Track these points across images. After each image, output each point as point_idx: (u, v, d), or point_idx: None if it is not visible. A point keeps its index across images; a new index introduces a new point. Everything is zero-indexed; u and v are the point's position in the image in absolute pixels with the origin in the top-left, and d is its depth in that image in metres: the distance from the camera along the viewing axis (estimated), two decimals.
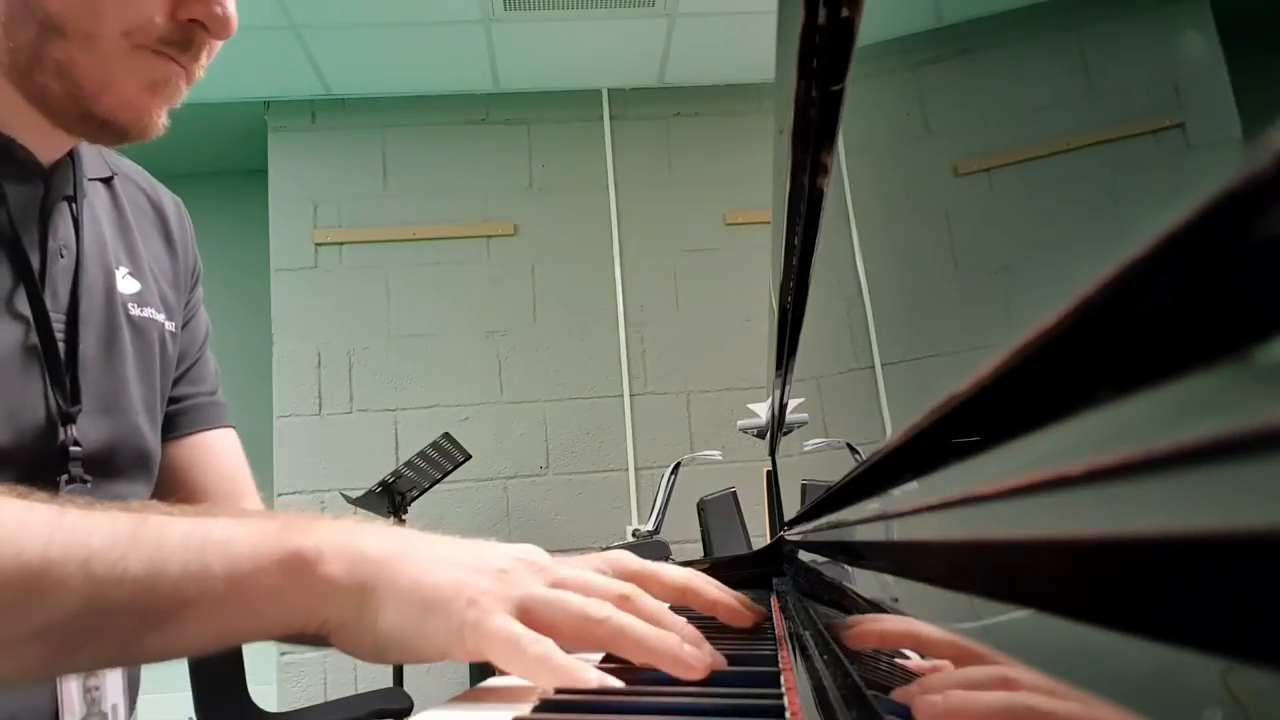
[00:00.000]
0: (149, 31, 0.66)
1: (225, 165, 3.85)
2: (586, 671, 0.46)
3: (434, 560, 0.50)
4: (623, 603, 0.52)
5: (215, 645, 0.49)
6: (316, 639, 0.51)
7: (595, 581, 0.53)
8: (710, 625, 0.72)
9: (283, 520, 0.50)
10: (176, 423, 0.87)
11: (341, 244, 3.54)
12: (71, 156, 0.78)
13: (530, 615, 0.49)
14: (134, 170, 0.90)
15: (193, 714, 1.89)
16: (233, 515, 0.51)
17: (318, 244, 3.53)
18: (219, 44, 0.72)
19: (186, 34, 0.68)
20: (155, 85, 0.68)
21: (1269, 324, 0.11)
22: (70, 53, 0.65)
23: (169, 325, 0.85)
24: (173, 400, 0.87)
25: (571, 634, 0.49)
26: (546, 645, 0.47)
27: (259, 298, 3.50)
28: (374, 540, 0.50)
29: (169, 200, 0.93)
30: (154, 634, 0.46)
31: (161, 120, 0.70)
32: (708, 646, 0.51)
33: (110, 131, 0.69)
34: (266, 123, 3.58)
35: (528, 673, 0.47)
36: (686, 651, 0.48)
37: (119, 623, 0.46)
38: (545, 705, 0.43)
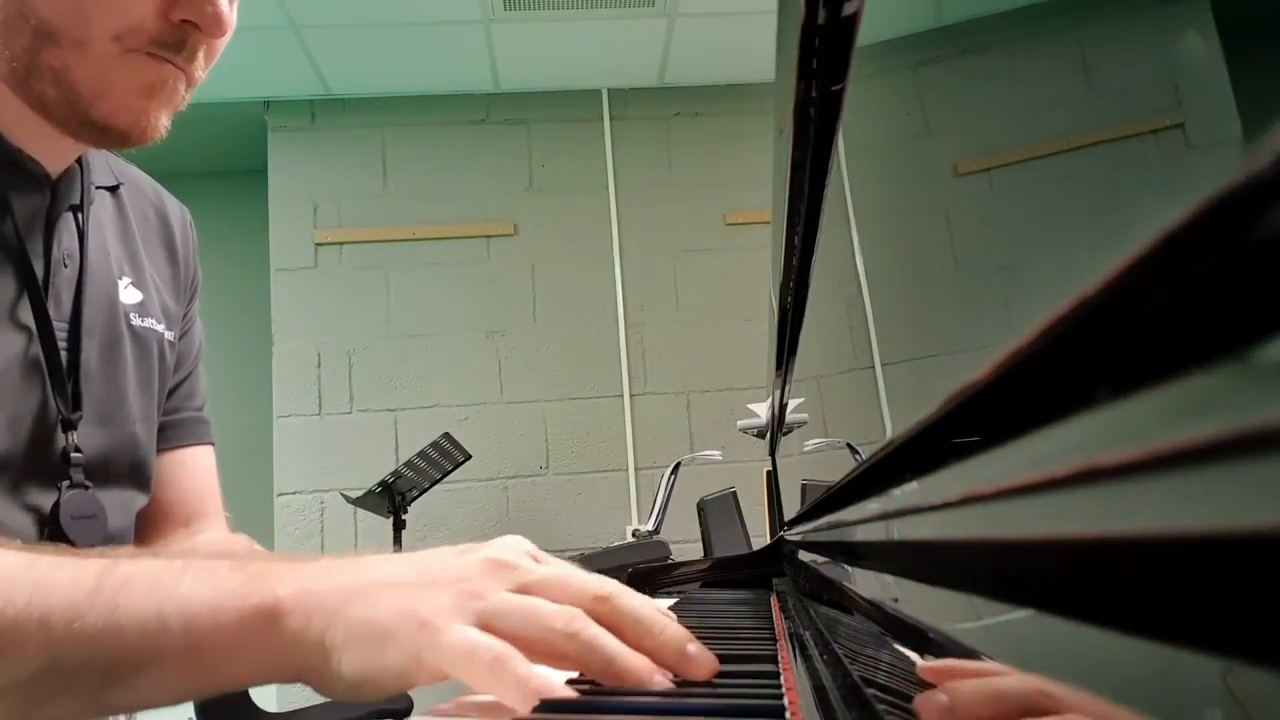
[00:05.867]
0: (140, 34, 0.66)
1: (225, 165, 3.85)
2: (550, 683, 0.43)
3: (388, 588, 0.48)
4: (599, 604, 0.48)
5: (184, 699, 0.48)
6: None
7: (572, 581, 0.49)
8: (708, 624, 0.72)
9: (248, 572, 0.49)
10: (163, 436, 0.87)
11: (341, 244, 3.54)
12: (80, 165, 0.78)
13: (491, 628, 0.46)
14: (141, 179, 0.91)
15: (193, 714, 1.89)
16: (202, 566, 0.50)
17: (318, 244, 3.53)
18: (219, 45, 0.71)
19: (180, 35, 0.67)
20: (151, 88, 0.68)
21: (1269, 324, 0.11)
22: (64, 59, 0.65)
23: (168, 335, 0.86)
24: (163, 413, 0.87)
25: (536, 646, 0.46)
26: (506, 652, 0.44)
27: (259, 298, 3.50)
28: (331, 582, 0.48)
29: (175, 210, 0.93)
30: (116, 690, 0.46)
31: (162, 124, 0.70)
32: (702, 647, 0.48)
33: (111, 136, 0.69)
34: (266, 123, 3.58)
35: (486, 684, 0.44)
36: (656, 680, 0.46)
37: (81, 680, 0.46)
38: (546, 705, 0.43)
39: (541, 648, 0.46)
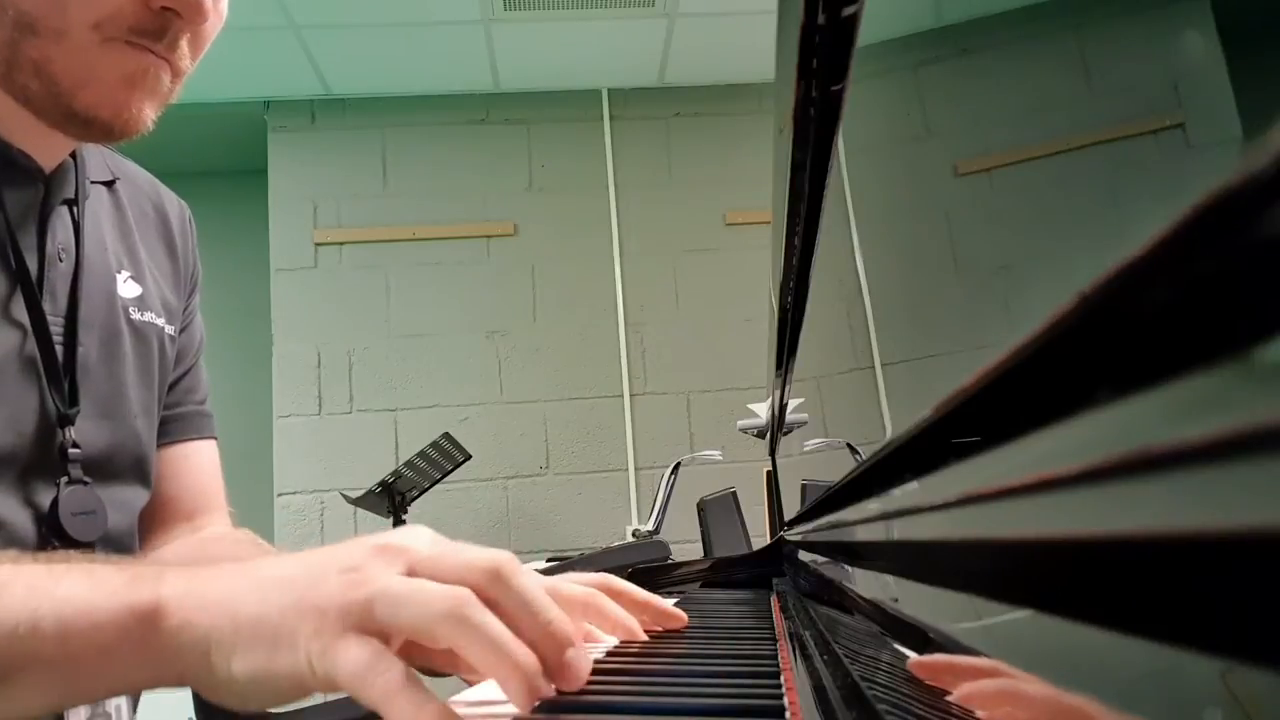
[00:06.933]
0: (119, 22, 0.65)
1: (225, 165, 3.85)
2: (447, 711, 0.40)
3: (277, 585, 0.44)
4: (491, 582, 0.44)
5: (62, 706, 0.46)
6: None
7: (463, 558, 0.45)
8: (708, 624, 0.72)
9: (131, 573, 0.47)
10: (165, 430, 0.87)
11: (341, 244, 3.54)
12: (75, 160, 0.78)
13: (374, 618, 0.42)
14: (138, 174, 0.90)
15: (193, 714, 1.89)
16: (84, 568, 0.47)
17: (318, 244, 3.53)
18: (206, 34, 0.70)
19: (160, 22, 0.66)
20: (133, 78, 0.67)
21: (1269, 324, 0.11)
22: (44, 50, 0.64)
23: (169, 329, 0.85)
24: (164, 407, 0.87)
25: (421, 632, 0.42)
26: (395, 683, 0.40)
27: (259, 298, 3.50)
28: (220, 582, 0.46)
29: (173, 204, 0.92)
30: None
31: (147, 115, 0.69)
32: (583, 654, 0.45)
33: (95, 129, 0.68)
34: (266, 123, 3.58)
35: (377, 707, 0.41)
36: (533, 682, 0.42)
37: None
38: (545, 705, 0.43)
39: (426, 638, 0.42)
